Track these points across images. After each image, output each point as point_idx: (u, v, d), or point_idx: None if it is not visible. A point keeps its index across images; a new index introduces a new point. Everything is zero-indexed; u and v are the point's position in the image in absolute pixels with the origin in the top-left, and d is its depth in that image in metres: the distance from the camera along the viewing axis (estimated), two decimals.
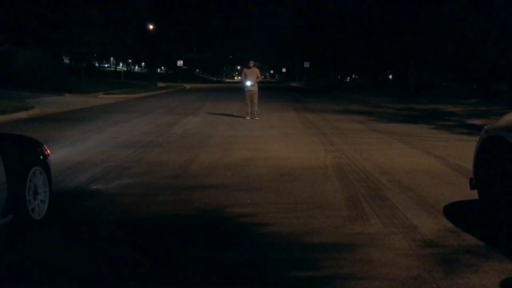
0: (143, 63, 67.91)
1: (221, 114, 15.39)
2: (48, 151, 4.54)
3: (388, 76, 50.99)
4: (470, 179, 4.58)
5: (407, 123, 13.50)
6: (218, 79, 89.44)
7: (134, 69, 73.72)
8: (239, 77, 50.57)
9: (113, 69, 64.56)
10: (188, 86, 46.37)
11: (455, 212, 4.54)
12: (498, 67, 28.16)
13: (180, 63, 54.19)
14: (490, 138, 4.27)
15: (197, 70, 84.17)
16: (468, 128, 12.05)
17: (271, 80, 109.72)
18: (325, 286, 2.99)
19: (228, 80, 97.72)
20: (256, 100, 13.84)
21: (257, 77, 13.89)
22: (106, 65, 71.72)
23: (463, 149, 8.31)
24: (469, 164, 6.77)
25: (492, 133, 4.26)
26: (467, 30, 25.95)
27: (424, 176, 6.11)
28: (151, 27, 37.15)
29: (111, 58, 64.62)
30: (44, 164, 4.32)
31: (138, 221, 4.26)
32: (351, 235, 3.88)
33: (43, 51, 29.70)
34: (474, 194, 4.63)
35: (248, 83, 13.76)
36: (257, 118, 13.78)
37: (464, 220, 4.27)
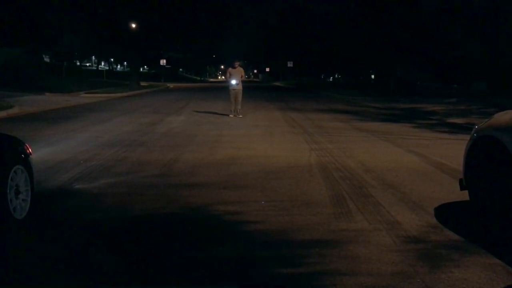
0: (125, 62, 67.19)
1: (205, 113, 15.35)
2: (30, 149, 4.47)
3: (370, 76, 51.45)
4: (460, 180, 4.47)
5: (389, 121, 13.65)
6: (202, 79, 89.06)
7: (116, 68, 72.76)
8: (223, 77, 50.46)
9: (95, 68, 63.73)
10: (171, 85, 46.03)
11: (437, 208, 4.60)
12: (476, 66, 28.65)
13: (163, 62, 53.81)
14: (481, 138, 4.17)
15: (181, 69, 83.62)
16: (449, 127, 12.24)
17: (254, 79, 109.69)
18: (311, 283, 3.01)
19: (211, 80, 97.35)
20: (240, 99, 14.20)
21: (242, 76, 14.30)
22: (87, 64, 70.65)
23: (444, 147, 8.43)
24: (450, 162, 6.90)
25: (483, 133, 4.16)
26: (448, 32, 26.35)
27: (407, 174, 6.19)
28: (133, 25, 36.78)
29: (93, 57, 63.80)
30: (26, 163, 4.25)
31: (122, 220, 4.22)
32: (336, 231, 3.91)
33: (22, 49, 29.15)
34: (456, 191, 4.71)
35: (233, 81, 14.07)
36: (240, 116, 13.99)
37: (447, 216, 4.34)
